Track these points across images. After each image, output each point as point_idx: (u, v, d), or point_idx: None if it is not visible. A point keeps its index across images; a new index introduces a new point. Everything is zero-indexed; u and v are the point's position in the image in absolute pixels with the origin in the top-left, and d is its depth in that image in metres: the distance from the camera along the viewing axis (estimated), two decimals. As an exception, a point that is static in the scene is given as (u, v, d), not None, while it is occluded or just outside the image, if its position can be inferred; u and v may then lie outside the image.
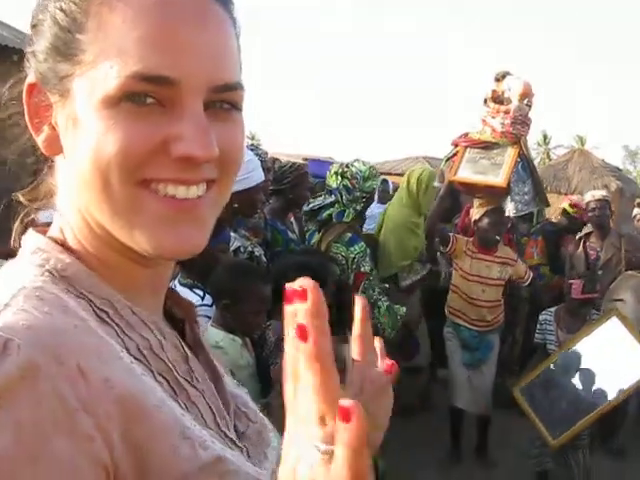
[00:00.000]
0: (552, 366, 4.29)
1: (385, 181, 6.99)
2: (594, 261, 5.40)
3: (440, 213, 4.82)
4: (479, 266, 4.56)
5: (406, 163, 17.93)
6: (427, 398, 5.35)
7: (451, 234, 4.77)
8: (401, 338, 4.18)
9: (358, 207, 3.87)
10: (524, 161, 4.73)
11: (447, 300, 4.74)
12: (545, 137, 41.54)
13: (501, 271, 4.57)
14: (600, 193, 5.74)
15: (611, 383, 4.11)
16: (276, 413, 0.75)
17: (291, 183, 4.02)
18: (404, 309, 3.93)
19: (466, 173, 4.70)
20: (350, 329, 2.81)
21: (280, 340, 2.87)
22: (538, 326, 4.54)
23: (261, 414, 0.91)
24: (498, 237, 4.55)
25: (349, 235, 3.79)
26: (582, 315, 4.42)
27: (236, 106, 0.72)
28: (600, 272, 5.23)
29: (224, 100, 0.70)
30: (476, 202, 4.86)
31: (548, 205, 5.00)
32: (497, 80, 4.75)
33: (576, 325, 4.34)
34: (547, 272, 5.29)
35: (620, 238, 5.46)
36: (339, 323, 3.18)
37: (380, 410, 0.87)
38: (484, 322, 4.58)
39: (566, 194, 10.88)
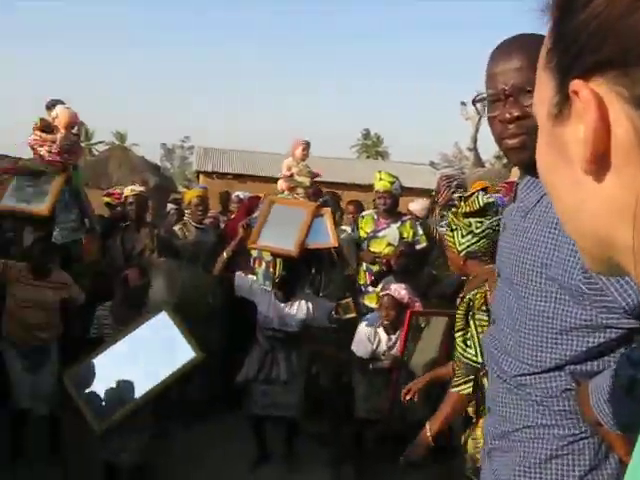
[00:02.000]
0: (100, 356, 4.33)
1: None
2: (130, 251, 5.64)
3: None
4: (33, 292, 4.54)
5: None
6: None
7: None
8: None
9: None
10: (71, 189, 4.79)
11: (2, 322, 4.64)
12: (87, 132, 41.38)
13: (55, 294, 4.60)
14: (138, 188, 5.98)
15: (153, 372, 4.31)
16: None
17: None
18: None
19: (10, 201, 4.70)
20: None
21: None
22: (95, 321, 4.56)
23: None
24: (50, 264, 4.57)
25: None
26: (136, 307, 4.51)
27: None
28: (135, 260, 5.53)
29: None
30: (28, 228, 4.87)
31: (92, 231, 5.02)
32: (48, 109, 4.78)
33: (131, 317, 4.43)
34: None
35: (154, 228, 5.85)
36: None
37: None
38: (39, 340, 4.60)
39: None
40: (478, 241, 2.65)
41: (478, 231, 2.65)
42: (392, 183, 5.55)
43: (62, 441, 4.74)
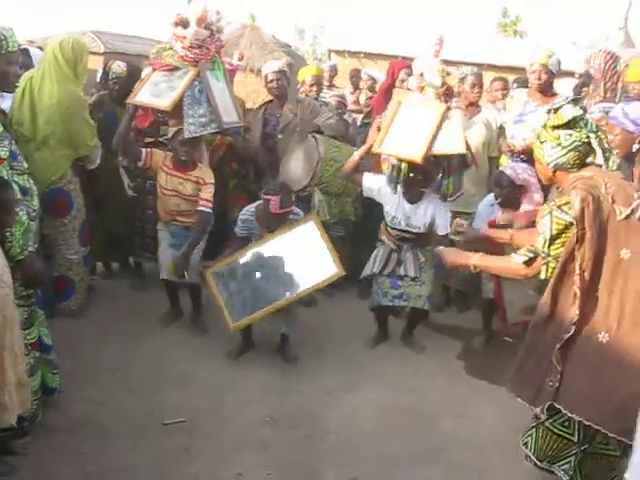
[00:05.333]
0: (244, 257, 4.59)
1: None
2: (274, 125, 5.77)
3: (128, 130, 4.90)
4: (174, 182, 4.79)
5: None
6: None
7: (143, 149, 4.86)
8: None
9: None
10: (202, 84, 4.77)
11: (157, 206, 5.03)
12: (218, 14, 41.40)
13: (194, 189, 4.79)
14: (277, 65, 5.94)
15: (294, 281, 4.48)
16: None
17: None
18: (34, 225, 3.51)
19: (143, 97, 4.77)
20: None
21: None
22: (240, 223, 4.73)
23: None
24: (184, 157, 4.73)
25: None
26: (281, 222, 4.60)
27: None
28: (280, 136, 5.71)
29: None
30: (171, 122, 4.97)
31: (221, 127, 4.96)
32: (188, 3, 4.81)
33: (277, 223, 4.58)
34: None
35: (297, 104, 5.79)
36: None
37: None
38: (185, 222, 4.93)
39: (237, 68, 10.82)
40: (566, 153, 2.74)
41: (566, 143, 2.74)
42: (550, 56, 5.12)
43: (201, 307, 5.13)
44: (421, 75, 4.65)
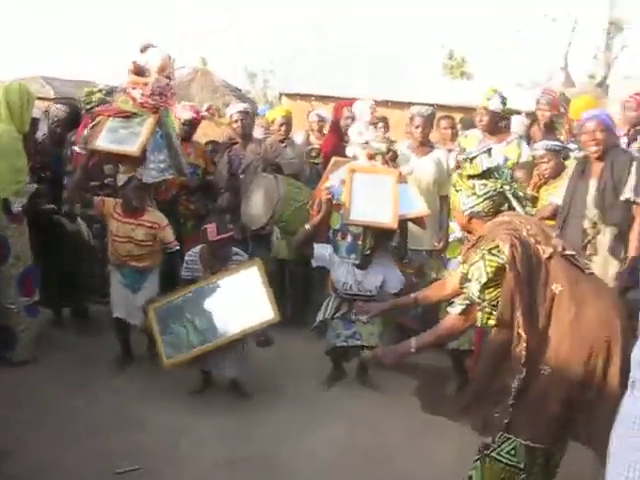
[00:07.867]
0: (185, 295, 4.63)
1: None
2: (237, 167, 5.88)
3: (82, 179, 5.05)
4: (125, 229, 4.79)
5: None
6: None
7: (96, 197, 4.91)
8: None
9: None
10: (162, 130, 4.95)
11: (109, 248, 4.97)
12: (172, 62, 41.53)
13: (146, 234, 4.82)
14: (242, 106, 6.25)
15: (230, 322, 4.54)
16: None
17: None
18: None
19: (104, 143, 4.84)
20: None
21: None
22: (185, 265, 4.79)
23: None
24: (136, 204, 4.76)
25: None
26: (223, 254, 4.69)
27: None
28: (242, 176, 5.84)
29: None
30: (122, 168, 5.05)
31: (183, 175, 5.30)
32: (141, 52, 4.91)
33: (217, 264, 4.68)
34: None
35: (260, 145, 5.96)
36: None
37: None
38: (138, 266, 4.94)
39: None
40: (481, 202, 2.87)
41: (481, 193, 2.87)
42: (488, 98, 5.26)
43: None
44: (367, 143, 4.80)
